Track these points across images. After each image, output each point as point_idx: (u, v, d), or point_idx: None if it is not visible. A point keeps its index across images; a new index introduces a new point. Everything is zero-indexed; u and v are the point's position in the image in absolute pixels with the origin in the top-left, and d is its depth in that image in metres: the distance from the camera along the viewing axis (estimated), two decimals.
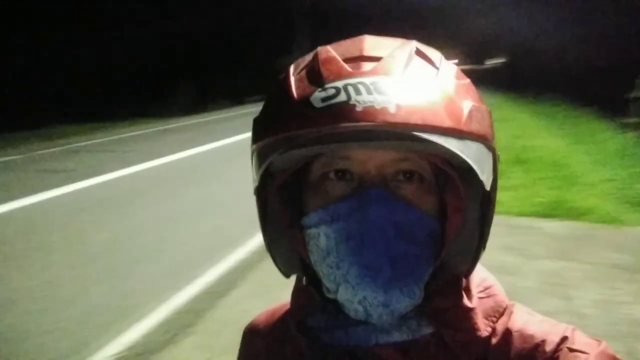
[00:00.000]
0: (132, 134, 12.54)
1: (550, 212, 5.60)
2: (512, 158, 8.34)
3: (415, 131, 0.50)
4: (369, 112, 0.50)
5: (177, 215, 5.70)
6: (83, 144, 11.25)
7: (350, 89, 0.52)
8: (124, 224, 5.44)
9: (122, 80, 18.18)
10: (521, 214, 5.63)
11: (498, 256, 4.55)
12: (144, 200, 6.38)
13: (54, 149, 10.45)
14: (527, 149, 9.07)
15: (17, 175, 7.99)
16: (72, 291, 3.94)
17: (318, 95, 0.53)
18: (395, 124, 0.50)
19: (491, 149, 0.59)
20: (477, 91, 0.62)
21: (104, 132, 12.88)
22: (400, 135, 0.51)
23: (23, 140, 11.34)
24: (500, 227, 5.34)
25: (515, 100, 19.34)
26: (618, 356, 0.59)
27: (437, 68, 0.58)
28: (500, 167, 0.64)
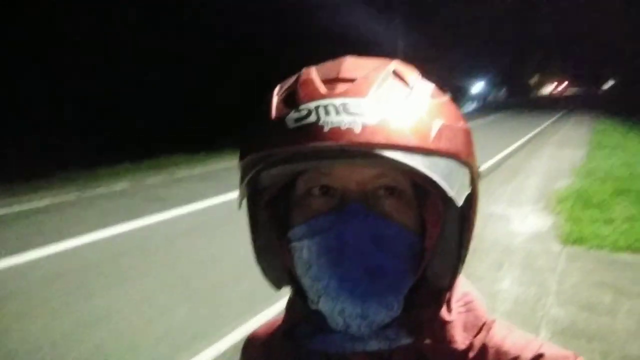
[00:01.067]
0: (233, 163, 13.16)
1: None
2: (616, 188, 7.77)
3: (378, 150, 0.53)
4: (335, 133, 0.53)
5: None
6: (188, 173, 11.91)
7: (321, 110, 0.55)
8: (211, 249, 5.72)
9: (230, 112, 19.14)
10: (621, 249, 5.21)
11: (594, 294, 4.23)
12: (232, 227, 6.64)
13: (160, 178, 11.20)
14: (634, 179, 8.40)
15: (125, 202, 8.67)
16: (158, 311, 4.19)
17: (292, 116, 0.56)
18: (358, 144, 0.53)
19: (466, 165, 0.60)
20: (455, 110, 0.63)
21: (210, 163, 13.60)
22: (366, 153, 0.54)
23: (135, 170, 12.27)
24: (595, 263, 4.97)
25: (626, 126, 17.96)
26: None
27: (411, 88, 0.60)
28: (478, 184, 0.65)
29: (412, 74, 0.63)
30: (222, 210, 7.76)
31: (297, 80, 0.62)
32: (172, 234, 6.49)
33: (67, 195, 9.36)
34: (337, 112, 0.54)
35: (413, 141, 0.54)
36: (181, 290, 4.63)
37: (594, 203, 7.08)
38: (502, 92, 56.17)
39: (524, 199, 7.79)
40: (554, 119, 26.32)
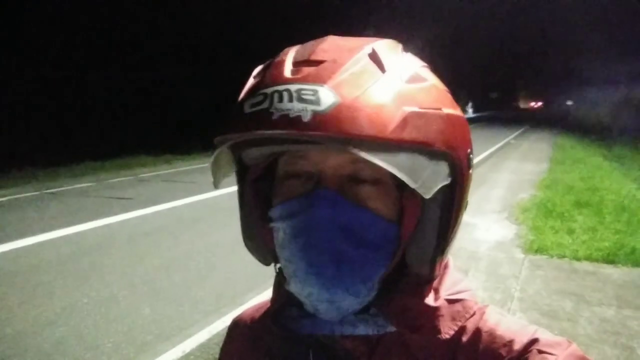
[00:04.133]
0: (201, 165, 13.03)
1: (613, 257, 5.29)
2: (576, 200, 8.00)
3: (327, 141, 0.51)
4: (282, 121, 0.51)
5: (227, 242, 5.79)
6: (153, 174, 11.72)
7: (275, 96, 0.52)
8: (177, 250, 5.63)
9: (200, 113, 18.94)
10: (581, 259, 5.35)
11: (555, 301, 4.33)
12: (198, 228, 6.58)
13: (125, 178, 10.98)
14: (594, 192, 8.67)
15: (89, 201, 8.46)
16: (123, 310, 4.09)
17: (250, 100, 0.54)
18: (304, 134, 0.50)
19: (441, 155, 0.57)
20: (437, 95, 0.59)
21: (177, 163, 13.43)
22: (317, 143, 0.52)
23: (100, 169, 12.01)
24: (558, 271, 5.09)
25: (587, 142, 18.61)
26: (587, 357, 0.58)
27: (384, 72, 0.56)
28: (472, 176, 0.64)
29: (393, 56, 0.59)
30: (187, 211, 7.66)
31: (271, 62, 0.60)
32: (135, 234, 6.36)
33: (27, 193, 9.08)
34: (290, 99, 0.51)
35: (367, 131, 0.50)
36: (145, 289, 4.53)
37: (555, 214, 7.26)
38: (469, 107, 57.30)
39: (488, 209, 7.93)
40: (517, 133, 26.98)
